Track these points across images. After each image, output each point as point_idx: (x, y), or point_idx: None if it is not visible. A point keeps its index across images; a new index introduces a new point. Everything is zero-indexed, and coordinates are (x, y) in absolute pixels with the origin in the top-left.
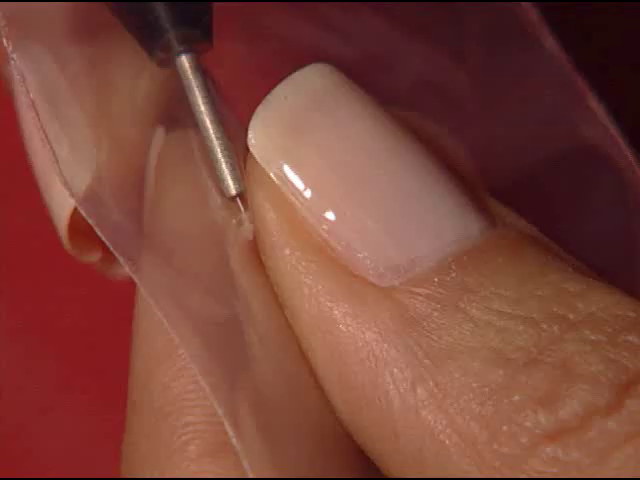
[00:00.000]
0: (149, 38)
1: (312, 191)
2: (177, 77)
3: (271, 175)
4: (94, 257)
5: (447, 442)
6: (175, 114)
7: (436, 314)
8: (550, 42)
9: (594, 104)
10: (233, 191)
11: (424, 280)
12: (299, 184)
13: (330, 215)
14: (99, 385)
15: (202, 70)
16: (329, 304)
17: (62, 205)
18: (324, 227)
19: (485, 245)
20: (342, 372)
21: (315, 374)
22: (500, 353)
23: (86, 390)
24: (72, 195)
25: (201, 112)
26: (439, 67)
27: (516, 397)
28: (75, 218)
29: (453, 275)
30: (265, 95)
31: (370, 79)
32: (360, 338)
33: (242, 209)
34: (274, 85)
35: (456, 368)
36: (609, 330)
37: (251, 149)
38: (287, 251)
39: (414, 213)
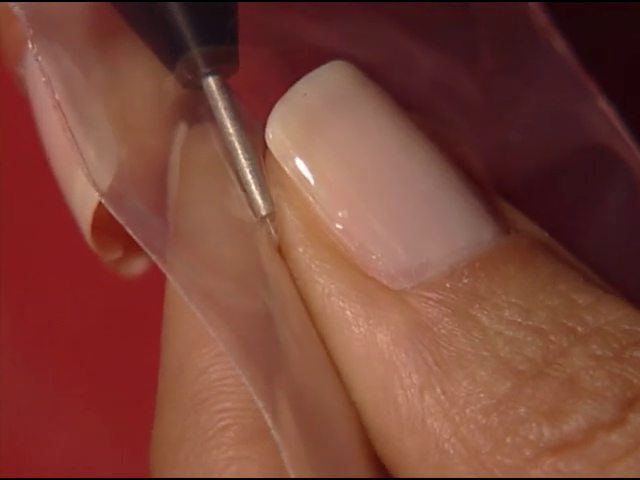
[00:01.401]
0: (171, 56)
1: (326, 189)
2: (204, 97)
3: (287, 171)
4: (115, 255)
5: (451, 451)
6: (197, 110)
7: (447, 320)
8: (560, 45)
9: (604, 105)
10: (263, 212)
11: (436, 285)
12: (313, 181)
13: (344, 214)
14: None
15: (229, 90)
16: (341, 304)
17: (85, 203)
18: (338, 226)
19: (497, 252)
20: (353, 373)
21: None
22: (508, 364)
23: (86, 390)
24: (99, 193)
25: (230, 134)
26: (451, 71)
27: (522, 409)
28: (96, 216)
29: (465, 281)
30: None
31: (382, 83)
32: (371, 340)
33: (270, 225)
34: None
35: (464, 377)
36: (616, 346)
37: (268, 144)
38: (301, 249)
39: (427, 216)
